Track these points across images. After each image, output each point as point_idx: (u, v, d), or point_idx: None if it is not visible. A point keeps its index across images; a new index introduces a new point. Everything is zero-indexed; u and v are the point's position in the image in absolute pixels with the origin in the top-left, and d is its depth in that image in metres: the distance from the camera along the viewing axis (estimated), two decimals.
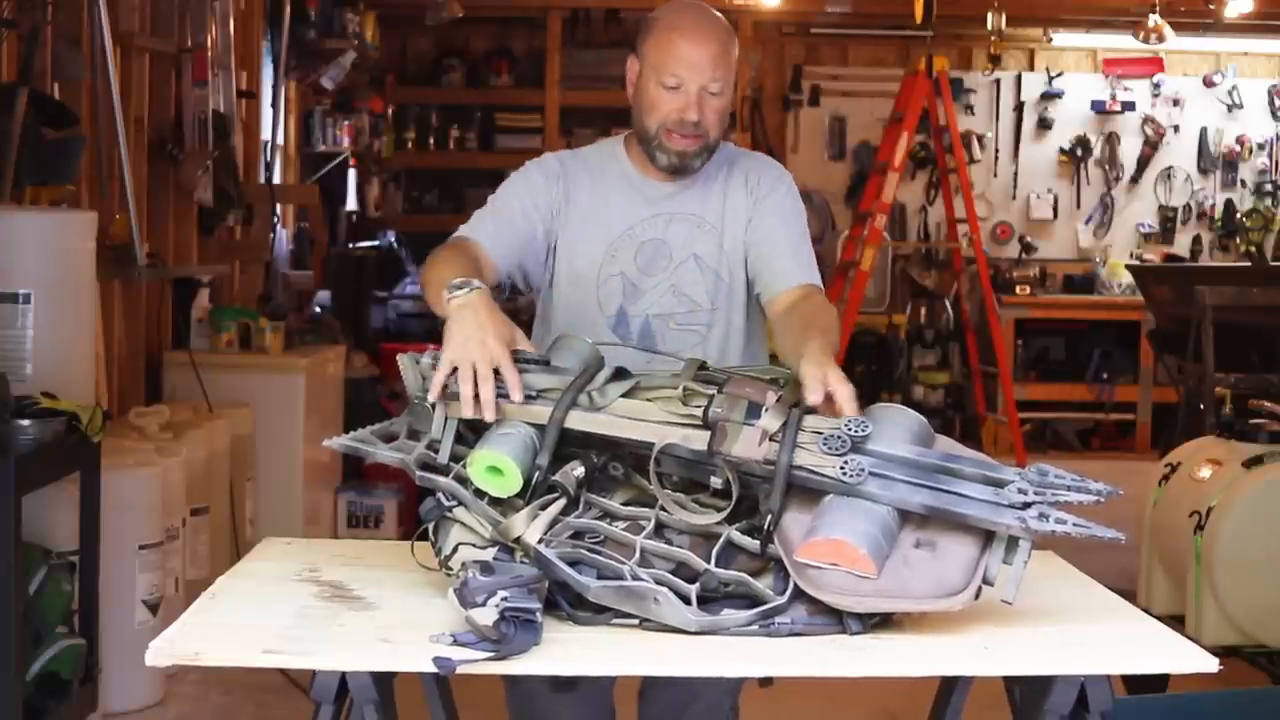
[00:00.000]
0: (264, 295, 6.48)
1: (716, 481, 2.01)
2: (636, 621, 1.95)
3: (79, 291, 3.90)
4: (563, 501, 2.05)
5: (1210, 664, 1.91)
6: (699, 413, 2.04)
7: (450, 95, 9.42)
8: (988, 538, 1.93)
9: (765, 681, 2.03)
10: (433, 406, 2.13)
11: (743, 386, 2.05)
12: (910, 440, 2.02)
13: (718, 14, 2.60)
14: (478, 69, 9.46)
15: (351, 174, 8.41)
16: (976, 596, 1.92)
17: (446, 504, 2.08)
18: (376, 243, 8.91)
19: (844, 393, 2.04)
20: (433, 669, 1.81)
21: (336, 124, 7.81)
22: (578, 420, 2.08)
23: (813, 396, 2.03)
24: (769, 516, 1.95)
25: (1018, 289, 9.37)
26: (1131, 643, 2.02)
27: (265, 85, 6.82)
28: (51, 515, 3.62)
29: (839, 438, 1.96)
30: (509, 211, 2.61)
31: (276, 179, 6.91)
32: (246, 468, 5.19)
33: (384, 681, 1.89)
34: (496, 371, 2.10)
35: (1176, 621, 3.88)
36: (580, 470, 2.07)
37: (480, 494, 2.07)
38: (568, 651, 1.89)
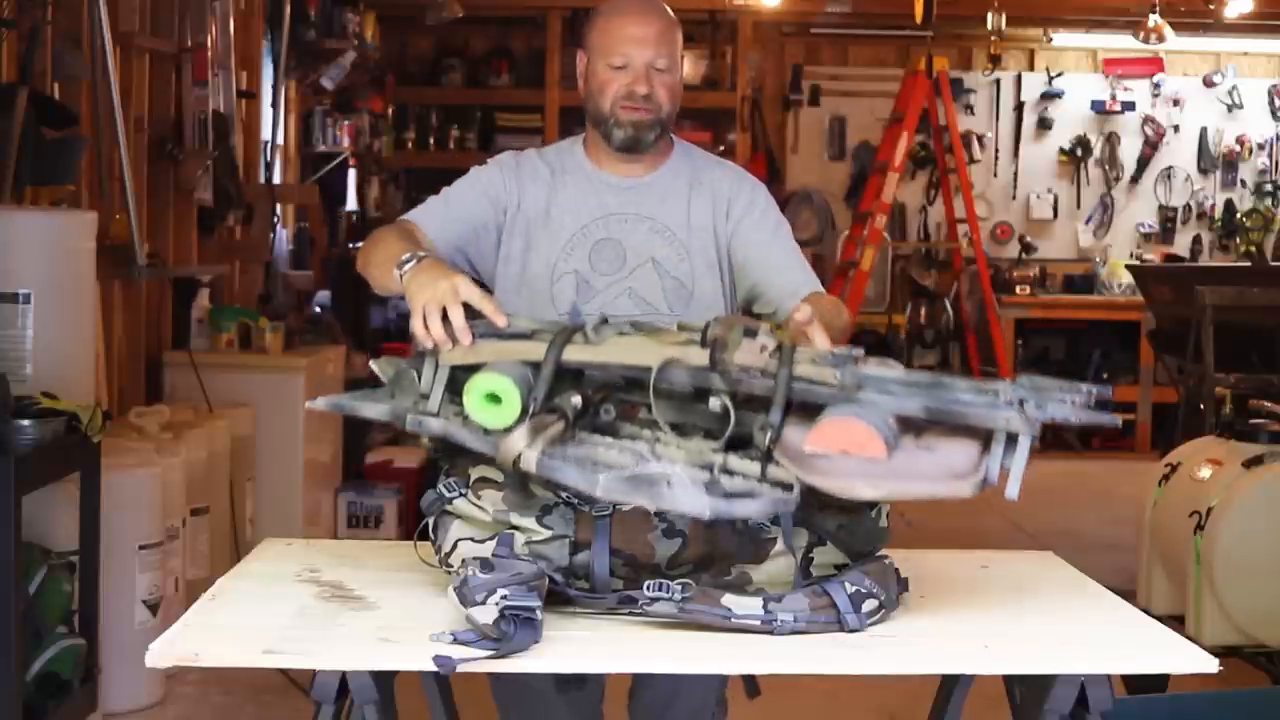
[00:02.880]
0: (264, 295, 6.48)
1: (715, 404, 1.99)
2: (638, 609, 1.95)
3: (79, 291, 3.90)
4: (561, 425, 1.99)
5: (1210, 664, 1.91)
6: (696, 338, 2.04)
7: (450, 95, 9.43)
8: (986, 442, 1.92)
9: (753, 693, 2.02)
10: (418, 359, 2.11)
11: (734, 318, 2.09)
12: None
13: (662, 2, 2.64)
14: (478, 69, 9.46)
15: (351, 174, 8.41)
16: (982, 488, 1.90)
17: (448, 495, 2.08)
18: None
19: (821, 338, 2.05)
20: (433, 668, 1.81)
21: (336, 124, 7.81)
22: (574, 353, 2.06)
23: (800, 315, 2.05)
24: (769, 431, 1.94)
25: (1018, 289, 9.38)
26: (1131, 643, 2.02)
27: (265, 85, 6.81)
28: (51, 515, 3.62)
29: (833, 355, 1.99)
30: (459, 199, 2.64)
31: (276, 179, 6.90)
32: (246, 468, 5.19)
33: (384, 681, 1.89)
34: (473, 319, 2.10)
35: (1176, 621, 3.88)
36: (577, 398, 2.03)
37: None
38: (567, 650, 1.89)
